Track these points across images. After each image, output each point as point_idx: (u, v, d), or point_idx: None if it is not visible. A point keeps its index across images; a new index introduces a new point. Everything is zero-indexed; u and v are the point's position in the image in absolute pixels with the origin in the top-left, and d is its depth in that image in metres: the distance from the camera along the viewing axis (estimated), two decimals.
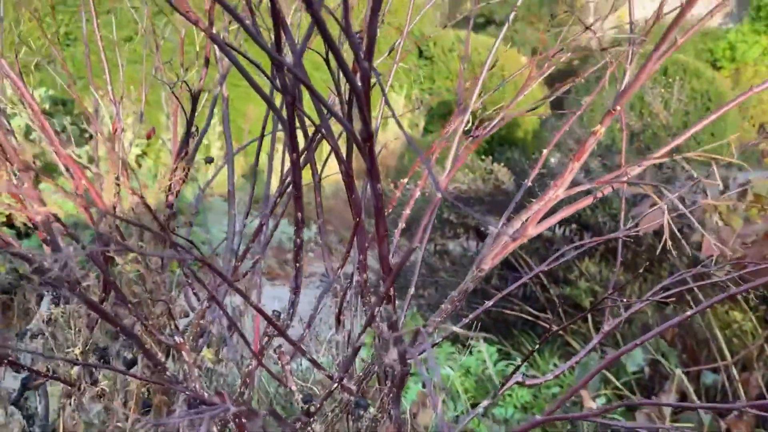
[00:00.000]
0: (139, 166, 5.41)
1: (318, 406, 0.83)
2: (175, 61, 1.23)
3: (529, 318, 2.77)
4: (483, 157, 3.08)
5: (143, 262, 0.90)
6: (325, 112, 0.81)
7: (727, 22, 14.70)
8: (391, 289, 0.75)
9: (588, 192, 0.73)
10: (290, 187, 1.19)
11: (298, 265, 0.88)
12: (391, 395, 0.81)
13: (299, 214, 0.82)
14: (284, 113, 0.76)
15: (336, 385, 0.82)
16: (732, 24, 14.53)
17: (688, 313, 0.72)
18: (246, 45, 1.50)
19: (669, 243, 0.87)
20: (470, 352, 2.87)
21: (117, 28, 1.69)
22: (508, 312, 2.69)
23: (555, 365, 2.89)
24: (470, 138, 0.99)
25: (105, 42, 1.33)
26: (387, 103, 0.59)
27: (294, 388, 0.90)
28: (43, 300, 1.31)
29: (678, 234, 0.94)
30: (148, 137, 1.31)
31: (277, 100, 0.97)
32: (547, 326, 3.04)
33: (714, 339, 2.63)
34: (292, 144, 0.75)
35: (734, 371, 2.32)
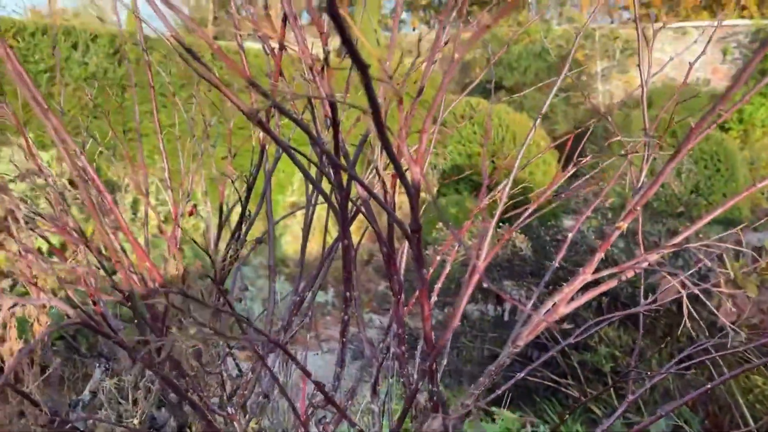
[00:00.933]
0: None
1: None
2: (221, 145, 1.34)
3: (551, 384, 2.78)
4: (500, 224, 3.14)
5: (201, 336, 0.98)
6: (368, 200, 0.90)
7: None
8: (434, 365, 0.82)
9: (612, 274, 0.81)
10: (324, 263, 1.28)
11: (344, 340, 0.95)
12: None
13: (348, 293, 0.90)
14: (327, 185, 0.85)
15: None
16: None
17: (710, 385, 0.78)
18: (285, 130, 1.62)
19: (687, 310, 0.93)
20: (492, 420, 2.87)
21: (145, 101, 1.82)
22: (530, 378, 2.71)
23: None
24: (502, 224, 1.08)
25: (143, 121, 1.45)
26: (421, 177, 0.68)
27: None
28: (95, 371, 1.39)
29: (696, 300, 1.00)
30: (190, 214, 1.40)
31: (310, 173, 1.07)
32: (569, 393, 3.05)
33: (736, 405, 2.63)
34: (344, 233, 0.83)
35: None
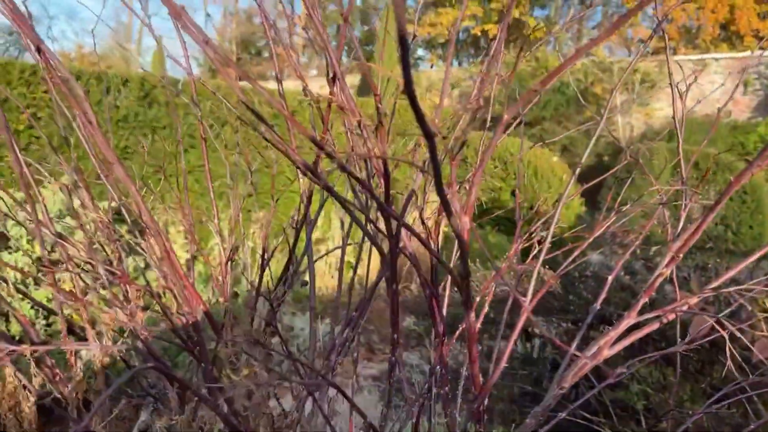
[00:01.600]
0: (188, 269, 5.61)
1: None
2: (265, 185, 1.40)
3: (582, 422, 2.76)
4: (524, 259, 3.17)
5: (253, 380, 1.03)
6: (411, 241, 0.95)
7: (756, 116, 14.95)
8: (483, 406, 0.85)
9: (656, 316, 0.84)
10: (366, 304, 1.32)
11: (391, 381, 0.99)
12: None
13: (395, 336, 0.94)
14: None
15: None
16: (761, 117, 14.75)
17: (753, 426, 0.80)
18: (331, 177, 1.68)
19: (723, 349, 0.95)
20: None
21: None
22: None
23: None
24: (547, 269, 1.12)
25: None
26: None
27: None
28: (142, 412, 1.43)
29: (730, 337, 1.02)
30: (230, 260, 1.45)
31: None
32: (600, 430, 3.01)
33: None
34: (393, 278, 0.88)
35: None
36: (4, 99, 5.84)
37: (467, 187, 0.74)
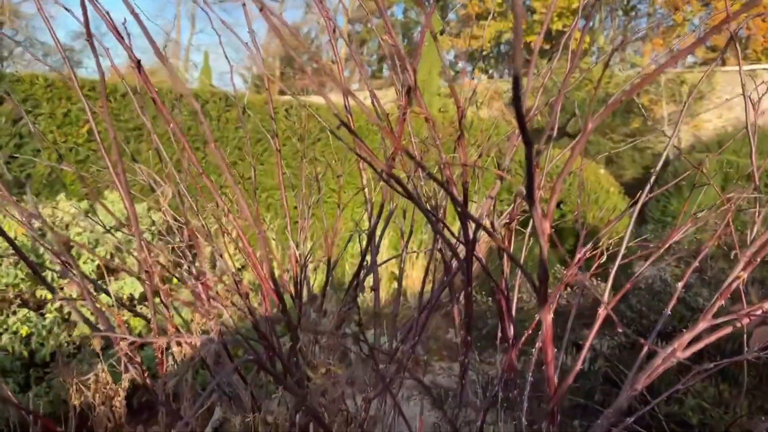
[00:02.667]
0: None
1: None
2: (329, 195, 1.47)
3: None
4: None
5: (331, 378, 1.08)
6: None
7: None
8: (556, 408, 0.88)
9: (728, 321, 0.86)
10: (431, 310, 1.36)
11: (464, 382, 1.02)
12: None
13: (468, 338, 0.98)
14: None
15: None
16: None
17: None
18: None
19: None
20: None
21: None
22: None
23: None
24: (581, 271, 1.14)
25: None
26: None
27: None
28: (216, 408, 1.50)
29: None
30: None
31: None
32: None
33: None
34: (468, 281, 0.92)
35: None
36: (65, 112, 6.12)
37: (547, 194, 0.78)
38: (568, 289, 3.20)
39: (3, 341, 3.65)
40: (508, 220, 1.07)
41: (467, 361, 1.02)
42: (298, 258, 1.30)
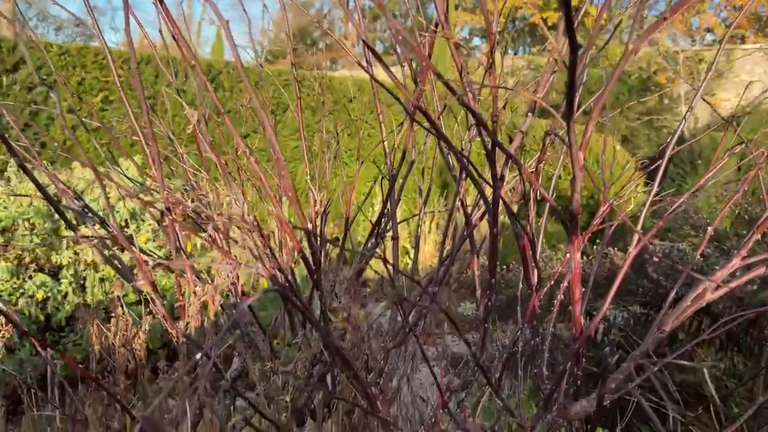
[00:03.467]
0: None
1: None
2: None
3: (651, 405, 2.72)
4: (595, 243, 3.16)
5: (348, 322, 1.07)
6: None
7: None
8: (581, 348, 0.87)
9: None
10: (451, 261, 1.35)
11: (486, 326, 1.01)
12: None
13: (492, 280, 0.96)
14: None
15: None
16: None
17: None
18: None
19: None
20: None
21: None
22: (627, 398, 2.66)
23: None
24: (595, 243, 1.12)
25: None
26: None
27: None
28: (235, 359, 1.50)
29: None
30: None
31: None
32: (667, 414, 2.96)
33: None
34: (494, 221, 0.90)
35: None
36: (80, 80, 6.11)
37: (585, 124, 0.76)
38: (584, 258, 3.18)
39: (20, 305, 3.69)
40: (537, 162, 1.05)
41: (489, 304, 1.01)
42: (318, 203, 1.29)
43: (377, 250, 1.34)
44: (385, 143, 1.46)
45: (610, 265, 3.02)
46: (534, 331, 1.06)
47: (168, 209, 1.01)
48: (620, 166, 7.59)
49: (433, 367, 1.23)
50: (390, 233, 1.41)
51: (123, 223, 4.32)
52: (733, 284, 0.81)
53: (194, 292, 1.04)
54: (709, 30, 20.98)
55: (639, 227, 1.36)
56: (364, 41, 0.99)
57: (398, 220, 1.60)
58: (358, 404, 1.02)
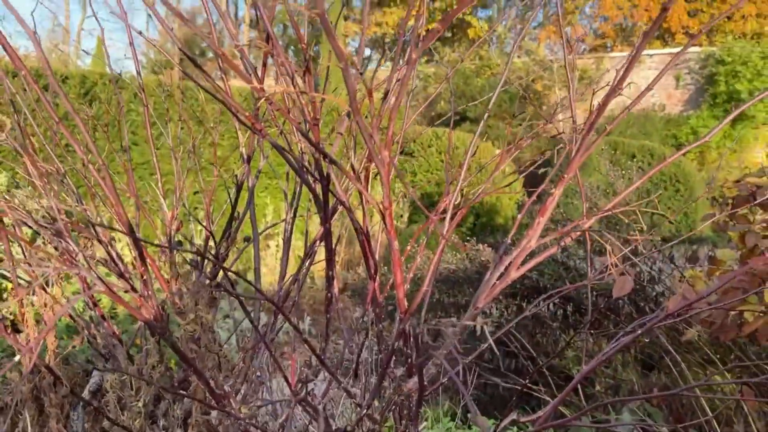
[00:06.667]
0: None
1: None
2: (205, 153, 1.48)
3: (524, 390, 2.91)
4: (468, 239, 3.35)
5: (199, 324, 1.10)
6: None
7: (687, 109, 15.69)
8: (407, 326, 0.95)
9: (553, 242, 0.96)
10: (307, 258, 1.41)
11: (329, 316, 1.08)
12: (410, 417, 0.99)
13: (330, 272, 1.03)
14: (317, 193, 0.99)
15: (364, 412, 1.01)
16: (692, 111, 15.52)
17: (676, 390, 0.92)
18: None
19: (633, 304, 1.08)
20: (469, 427, 2.99)
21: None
22: (504, 385, 2.83)
23: None
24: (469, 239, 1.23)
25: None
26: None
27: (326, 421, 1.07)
28: (92, 374, 1.48)
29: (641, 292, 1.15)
30: (177, 229, 1.51)
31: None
32: (542, 398, 3.18)
33: (697, 401, 2.80)
34: (326, 216, 0.97)
35: (716, 426, 2.47)
36: None
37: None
38: (457, 255, 3.37)
39: None
40: (367, 163, 1.12)
41: (331, 295, 1.07)
42: (173, 217, 1.31)
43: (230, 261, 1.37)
44: (243, 150, 1.50)
45: (480, 259, 3.21)
46: (377, 316, 1.14)
47: None
48: (502, 171, 7.98)
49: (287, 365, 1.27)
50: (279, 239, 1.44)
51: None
52: (530, 264, 0.93)
53: (32, 303, 1.03)
54: (580, 40, 22.50)
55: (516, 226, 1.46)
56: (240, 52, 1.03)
57: (270, 222, 1.63)
58: (203, 401, 1.05)
